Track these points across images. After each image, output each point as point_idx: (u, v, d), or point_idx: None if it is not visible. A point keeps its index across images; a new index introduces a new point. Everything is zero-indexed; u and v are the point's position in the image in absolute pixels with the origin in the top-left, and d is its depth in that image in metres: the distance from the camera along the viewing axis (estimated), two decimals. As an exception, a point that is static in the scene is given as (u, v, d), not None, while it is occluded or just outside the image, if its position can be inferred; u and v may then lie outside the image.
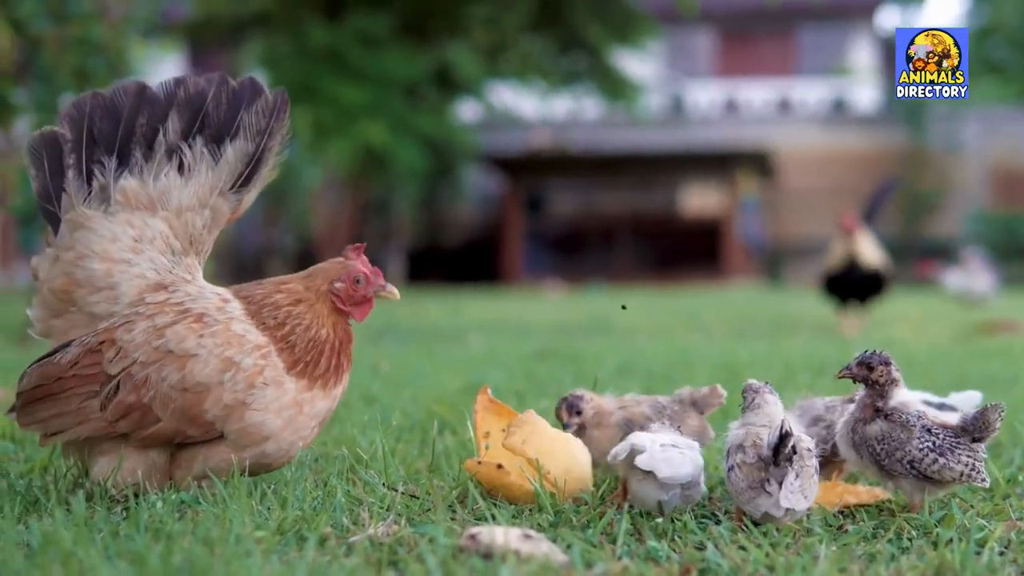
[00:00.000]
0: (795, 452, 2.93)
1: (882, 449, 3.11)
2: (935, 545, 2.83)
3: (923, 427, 3.12)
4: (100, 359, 3.14)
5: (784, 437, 2.91)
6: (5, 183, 12.02)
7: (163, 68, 34.97)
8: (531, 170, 37.41)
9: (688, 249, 35.32)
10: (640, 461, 3.05)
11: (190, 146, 3.35)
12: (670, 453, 3.06)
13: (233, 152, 3.38)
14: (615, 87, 34.48)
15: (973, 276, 16.71)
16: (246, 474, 3.20)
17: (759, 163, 35.61)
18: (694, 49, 43.59)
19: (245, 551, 2.57)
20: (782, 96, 41.39)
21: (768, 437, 2.97)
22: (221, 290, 3.34)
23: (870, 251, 11.48)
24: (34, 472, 3.70)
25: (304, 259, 34.86)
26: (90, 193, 3.31)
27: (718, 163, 35.83)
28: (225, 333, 3.15)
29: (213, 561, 2.47)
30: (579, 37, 32.76)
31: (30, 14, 10.77)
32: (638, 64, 36.75)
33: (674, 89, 41.88)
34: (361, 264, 3.34)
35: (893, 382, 3.18)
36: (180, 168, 3.35)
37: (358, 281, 3.31)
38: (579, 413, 3.51)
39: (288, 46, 29.17)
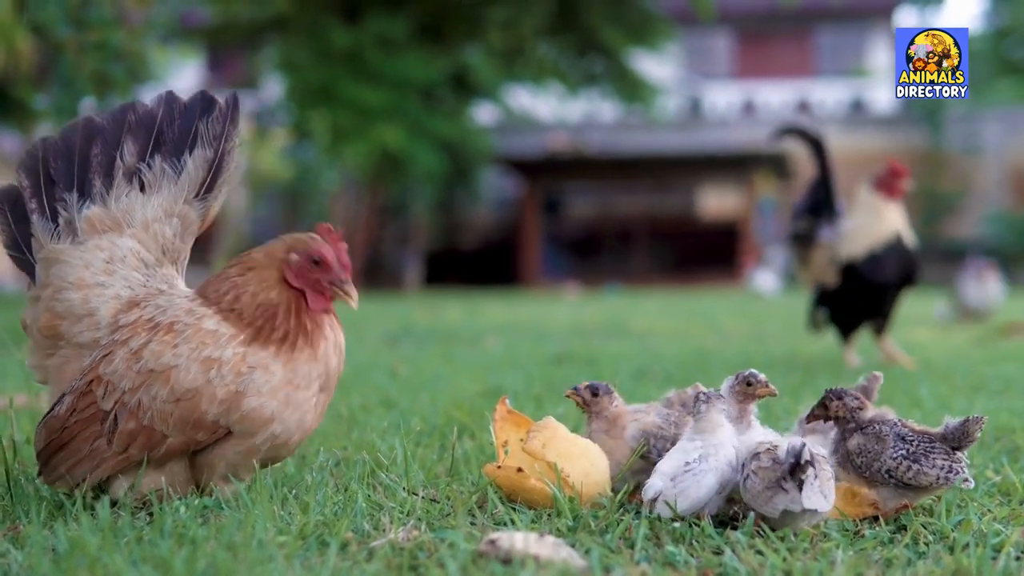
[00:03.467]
0: (812, 465, 2.94)
1: (861, 462, 3.16)
2: (952, 550, 2.84)
3: (896, 436, 3.17)
4: (93, 399, 3.16)
5: (798, 464, 2.93)
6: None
7: (182, 73, 35.12)
8: (548, 173, 37.45)
9: (705, 251, 35.36)
10: (662, 511, 3.07)
11: (149, 165, 3.37)
12: (684, 484, 3.08)
13: (192, 162, 3.40)
14: (632, 89, 34.50)
15: (983, 284, 14.91)
16: (259, 463, 3.24)
17: (777, 165, 35.58)
18: (711, 51, 43.59)
19: (268, 556, 2.59)
20: (800, 97, 41.36)
21: (785, 454, 2.97)
22: (191, 292, 3.35)
23: (906, 224, 7.82)
24: (58, 477, 3.74)
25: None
26: (57, 229, 3.33)
27: (736, 165, 35.82)
28: (197, 335, 3.14)
29: (236, 566, 2.49)
30: (596, 40, 32.78)
31: (51, 19, 10.84)
32: (655, 66, 36.76)
33: (691, 91, 41.89)
34: (328, 248, 3.26)
35: (853, 410, 3.25)
36: (142, 187, 3.38)
37: (315, 262, 3.22)
38: (595, 395, 3.53)
39: (306, 49, 29.24)
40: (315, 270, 3.23)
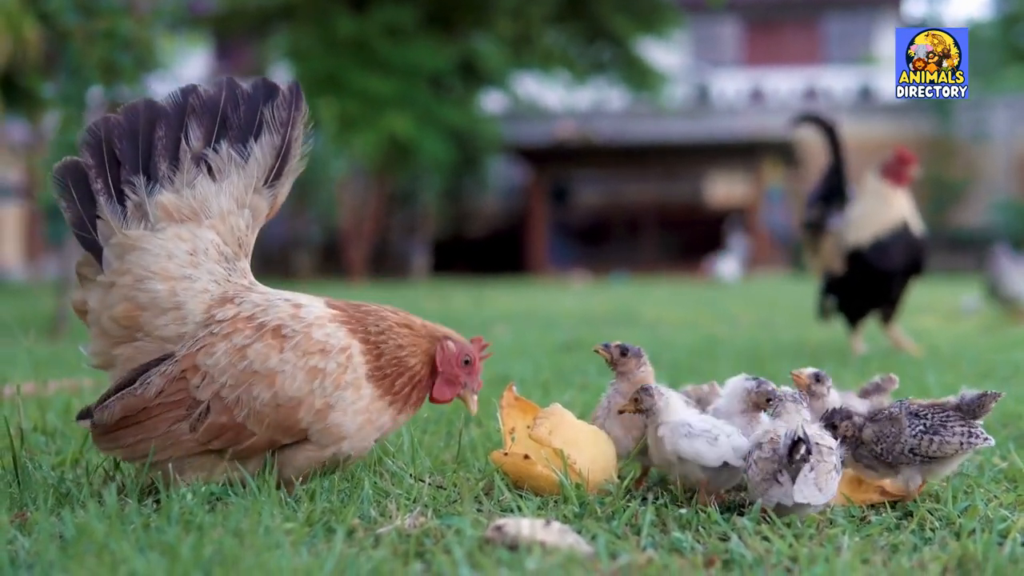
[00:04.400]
0: (809, 453, 2.95)
1: (882, 448, 3.16)
2: (957, 536, 2.85)
3: (910, 413, 3.18)
4: (186, 386, 3.14)
5: (796, 443, 2.94)
6: (33, 176, 12.10)
7: (190, 62, 35.10)
8: (556, 161, 37.43)
9: (713, 239, 35.28)
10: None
11: (216, 150, 3.33)
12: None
13: (260, 149, 3.37)
14: (640, 77, 34.48)
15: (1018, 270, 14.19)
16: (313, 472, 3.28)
17: (785, 153, 35.52)
18: (720, 38, 43.51)
19: (274, 543, 2.60)
20: (808, 85, 41.28)
21: (783, 439, 2.99)
22: (295, 297, 3.36)
23: (912, 212, 7.82)
24: (66, 465, 3.75)
25: (329, 250, 34.99)
26: (126, 214, 3.27)
27: (744, 153, 35.78)
28: (306, 343, 3.17)
29: (243, 552, 2.50)
30: (604, 27, 32.75)
31: (59, 8, 10.83)
32: (663, 54, 36.72)
33: (699, 79, 41.81)
34: (478, 356, 3.38)
35: (861, 427, 3.26)
36: (210, 173, 3.34)
37: (466, 362, 3.35)
38: (624, 354, 3.53)
39: (314, 38, 29.24)
40: (461, 367, 3.35)
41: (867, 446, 3.19)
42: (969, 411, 3.17)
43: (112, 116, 3.34)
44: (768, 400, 3.27)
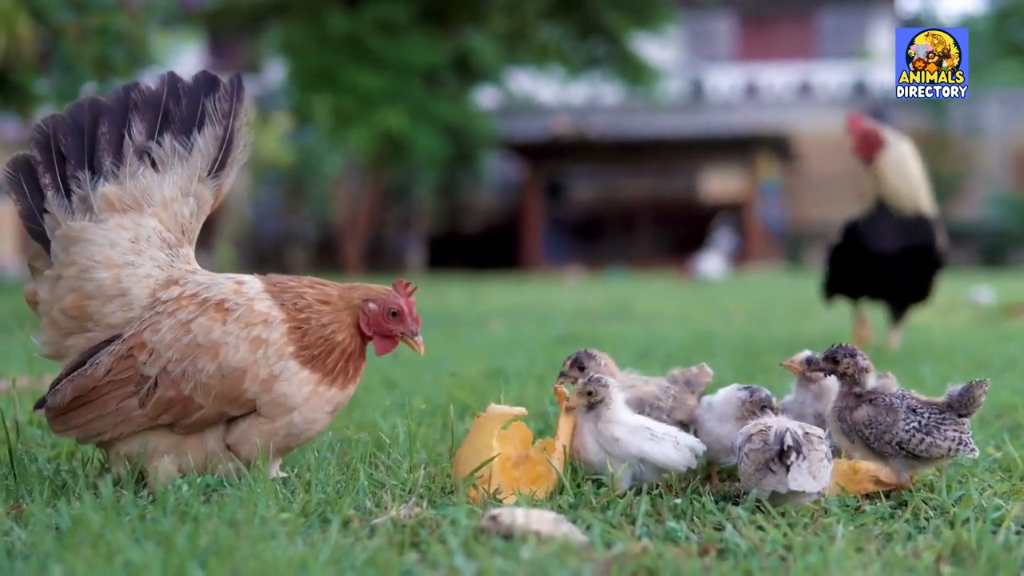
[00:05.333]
0: (799, 455, 2.96)
1: (871, 433, 3.17)
2: (952, 524, 2.85)
3: (908, 408, 3.18)
4: (133, 363, 3.20)
5: (784, 452, 2.96)
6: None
7: (184, 58, 35.05)
8: (551, 156, 37.38)
9: (708, 234, 35.30)
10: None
11: (159, 143, 3.41)
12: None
13: (203, 139, 3.45)
14: (635, 72, 34.39)
15: None
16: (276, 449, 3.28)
17: (780, 147, 35.52)
18: (714, 34, 43.45)
19: (270, 533, 2.61)
20: (803, 80, 41.24)
21: (771, 438, 3.01)
22: (236, 276, 3.40)
23: (912, 182, 7.37)
24: (61, 457, 3.76)
25: (324, 246, 34.97)
26: (71, 206, 3.35)
27: (738, 147, 35.75)
28: (249, 315, 3.22)
29: (239, 543, 2.50)
30: (598, 23, 32.66)
31: (51, 4, 10.82)
32: (657, 49, 36.64)
33: (694, 74, 41.77)
34: (404, 302, 3.36)
35: (862, 371, 3.24)
36: (154, 165, 3.41)
37: (393, 314, 3.33)
38: (582, 369, 3.56)
39: (307, 33, 29.17)
40: (391, 321, 3.34)
41: (857, 426, 3.20)
42: (961, 406, 3.17)
43: (59, 114, 3.45)
44: (763, 408, 3.31)
